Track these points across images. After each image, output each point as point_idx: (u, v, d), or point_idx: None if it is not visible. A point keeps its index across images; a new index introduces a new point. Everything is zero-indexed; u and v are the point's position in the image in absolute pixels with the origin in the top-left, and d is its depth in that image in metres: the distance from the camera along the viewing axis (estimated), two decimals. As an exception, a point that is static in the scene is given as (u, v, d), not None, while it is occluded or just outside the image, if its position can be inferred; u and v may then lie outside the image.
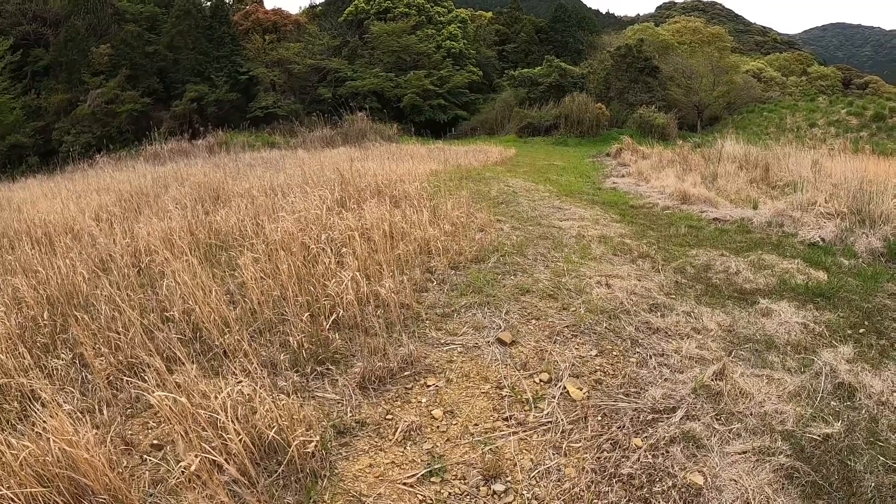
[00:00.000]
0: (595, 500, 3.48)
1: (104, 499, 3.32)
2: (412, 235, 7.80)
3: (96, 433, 3.70)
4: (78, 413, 3.95)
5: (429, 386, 4.66)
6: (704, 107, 45.39)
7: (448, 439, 3.98)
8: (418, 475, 3.63)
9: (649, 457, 3.80)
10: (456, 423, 4.16)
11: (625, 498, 3.50)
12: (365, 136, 34.01)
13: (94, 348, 5.12)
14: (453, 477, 3.63)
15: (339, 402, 4.45)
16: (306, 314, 5.50)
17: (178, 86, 44.90)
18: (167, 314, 5.94)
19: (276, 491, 3.50)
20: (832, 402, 4.50)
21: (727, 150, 19.46)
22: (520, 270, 7.34)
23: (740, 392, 4.55)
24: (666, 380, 4.76)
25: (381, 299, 5.95)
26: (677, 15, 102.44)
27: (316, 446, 3.71)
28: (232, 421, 3.63)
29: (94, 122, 40.39)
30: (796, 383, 4.73)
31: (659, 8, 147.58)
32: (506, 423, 4.16)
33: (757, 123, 41.20)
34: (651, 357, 5.15)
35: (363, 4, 51.52)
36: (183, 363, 4.35)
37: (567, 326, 5.70)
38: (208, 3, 50.30)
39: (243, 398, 3.98)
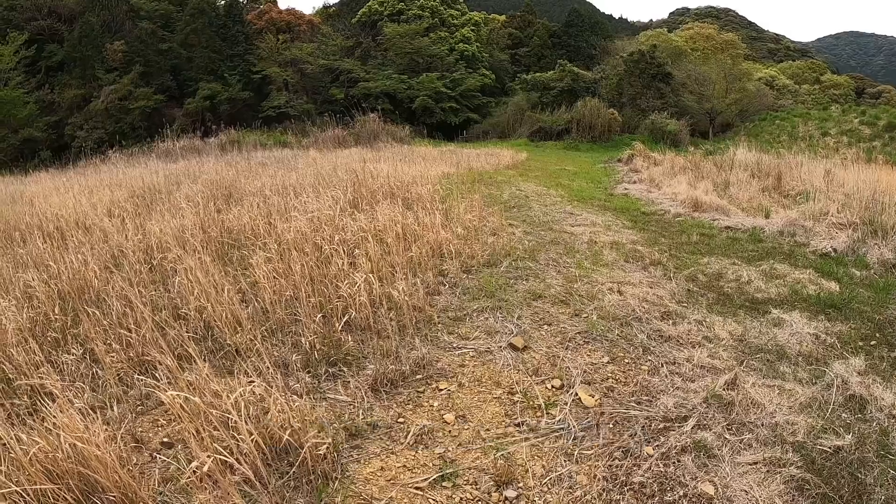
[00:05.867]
0: (606, 509, 3.47)
1: (114, 496, 3.32)
2: (425, 238, 7.80)
3: (107, 430, 3.71)
4: (88, 409, 3.95)
5: (441, 390, 4.66)
6: (717, 114, 45.36)
7: (460, 444, 3.97)
8: (430, 479, 3.62)
9: (661, 466, 3.79)
10: (468, 428, 4.15)
11: (636, 507, 3.49)
12: (377, 138, 34.06)
13: (105, 344, 5.13)
14: (465, 482, 3.62)
15: (350, 405, 4.45)
16: (319, 315, 5.51)
17: (191, 83, 45.05)
18: (179, 311, 5.96)
19: (287, 492, 3.50)
20: (843, 414, 4.47)
21: (739, 158, 19.43)
22: (532, 275, 7.34)
23: (752, 402, 4.53)
24: (677, 388, 4.74)
25: (393, 302, 5.95)
26: (690, 21, 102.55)
27: (328, 448, 3.71)
28: (244, 421, 3.63)
29: (107, 117, 40.54)
30: (808, 395, 4.71)
31: (672, 14, 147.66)
32: (518, 428, 4.15)
33: (769, 131, 41.07)
34: (663, 365, 5.14)
35: (377, 6, 51.56)
36: (195, 361, 4.35)
37: (579, 333, 5.69)
38: (222, 2, 50.58)
39: (255, 398, 3.98)
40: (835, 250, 9.14)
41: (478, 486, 3.59)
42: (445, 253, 7.70)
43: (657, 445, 3.98)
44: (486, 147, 32.11)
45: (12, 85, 39.54)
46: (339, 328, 5.40)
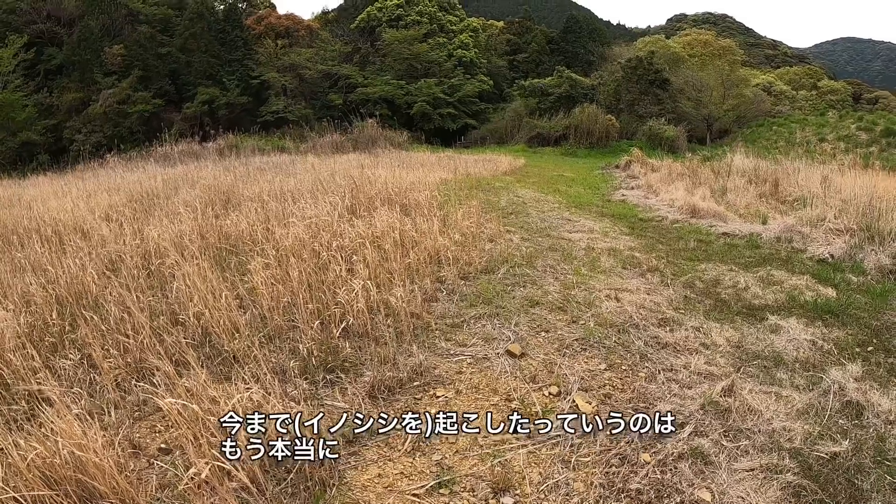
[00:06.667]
0: (603, 516, 3.47)
1: (112, 502, 3.32)
2: (422, 244, 7.80)
3: (104, 436, 3.70)
4: (86, 415, 3.94)
5: (438, 397, 4.66)
6: (714, 120, 45.44)
7: (457, 451, 3.97)
8: (427, 486, 3.62)
9: (657, 472, 3.79)
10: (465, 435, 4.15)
11: (633, 514, 3.49)
12: (375, 143, 34.13)
13: (102, 350, 5.12)
14: (462, 489, 3.62)
15: (348, 411, 4.45)
16: (316, 321, 5.51)
17: (189, 88, 45.02)
18: (177, 317, 5.96)
19: (285, 499, 3.50)
20: (840, 421, 4.48)
21: (737, 164, 19.46)
22: (529, 282, 7.35)
23: (749, 409, 4.54)
24: (674, 395, 4.75)
25: (391, 308, 5.95)
26: (688, 27, 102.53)
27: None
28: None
29: (106, 121, 40.49)
30: (804, 401, 4.72)
31: (670, 20, 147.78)
32: (515, 435, 4.16)
33: (766, 137, 41.13)
34: (660, 372, 5.14)
35: (375, 12, 51.65)
36: (192, 367, 4.34)
37: (576, 339, 5.70)
38: (221, 7, 50.62)
39: (253, 405, 3.98)
40: (832, 256, 9.16)
41: (475, 493, 3.59)
42: (443, 259, 7.70)
43: (654, 452, 3.98)
44: (483, 153, 32.12)
45: (11, 88, 39.52)
46: (337, 335, 5.40)
